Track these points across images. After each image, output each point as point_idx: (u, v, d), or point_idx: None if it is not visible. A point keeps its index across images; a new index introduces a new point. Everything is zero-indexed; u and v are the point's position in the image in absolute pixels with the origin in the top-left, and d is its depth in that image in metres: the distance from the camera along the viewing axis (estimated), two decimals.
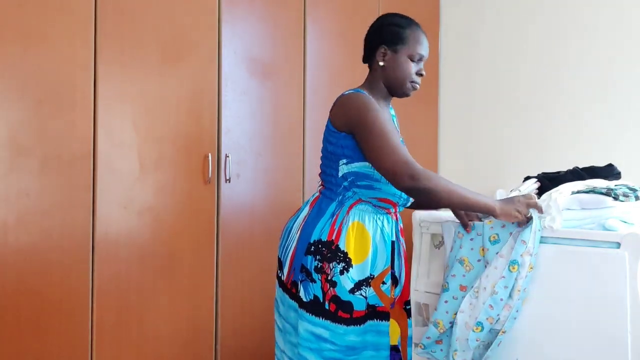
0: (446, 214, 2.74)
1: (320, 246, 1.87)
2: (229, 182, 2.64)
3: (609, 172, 2.35)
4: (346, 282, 1.85)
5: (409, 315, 2.04)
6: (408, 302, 2.05)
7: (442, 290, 2.13)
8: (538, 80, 3.18)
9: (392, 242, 1.97)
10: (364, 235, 1.90)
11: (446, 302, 2.10)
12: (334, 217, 1.90)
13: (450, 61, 3.54)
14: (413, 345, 2.54)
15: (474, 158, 3.40)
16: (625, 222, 2.02)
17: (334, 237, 1.86)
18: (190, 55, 2.58)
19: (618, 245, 1.89)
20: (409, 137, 3.38)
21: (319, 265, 1.86)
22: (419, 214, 2.69)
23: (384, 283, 1.92)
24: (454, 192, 1.82)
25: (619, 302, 1.84)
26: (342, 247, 1.86)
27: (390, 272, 1.95)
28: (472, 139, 3.42)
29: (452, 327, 2.10)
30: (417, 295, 2.59)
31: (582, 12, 3.04)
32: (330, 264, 1.85)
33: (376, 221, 1.93)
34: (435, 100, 3.55)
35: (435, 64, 3.56)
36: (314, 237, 1.88)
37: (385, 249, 1.93)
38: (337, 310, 1.86)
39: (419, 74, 1.96)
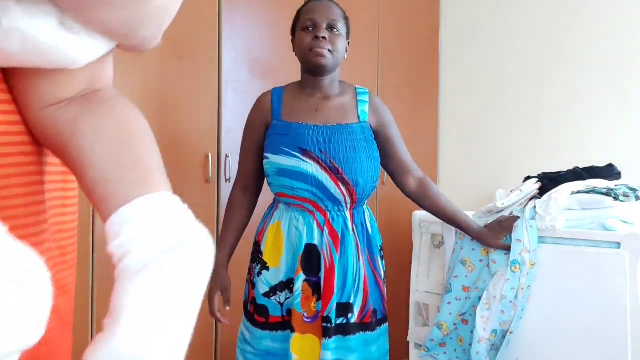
0: None
1: (253, 246, 1.87)
2: (229, 182, 2.64)
3: (609, 172, 2.35)
4: (261, 285, 1.79)
5: (324, 334, 1.71)
6: (327, 319, 1.72)
7: (445, 292, 2.13)
8: (538, 80, 3.18)
9: (308, 246, 1.75)
10: (278, 236, 1.79)
11: (449, 303, 2.10)
12: (266, 216, 1.87)
13: (451, 61, 3.54)
14: (416, 347, 2.54)
15: (474, 158, 3.41)
16: (625, 222, 2.02)
17: (259, 238, 1.84)
18: (190, 55, 2.58)
19: (618, 245, 1.89)
20: (409, 137, 3.38)
21: (249, 266, 1.85)
22: (419, 214, 2.69)
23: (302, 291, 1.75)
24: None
25: (619, 302, 1.84)
26: (262, 248, 1.81)
27: (303, 280, 1.75)
28: (472, 139, 3.42)
29: (455, 329, 2.10)
30: (417, 295, 2.59)
31: (582, 13, 3.04)
32: (253, 265, 1.83)
33: (291, 221, 1.78)
34: (435, 100, 3.55)
35: (436, 63, 3.56)
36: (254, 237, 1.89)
37: (296, 253, 1.76)
38: (254, 313, 1.80)
39: (316, 38, 1.77)
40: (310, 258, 1.75)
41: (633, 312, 1.83)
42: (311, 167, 1.73)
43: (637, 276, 1.84)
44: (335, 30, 1.81)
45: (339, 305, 1.73)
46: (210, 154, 2.61)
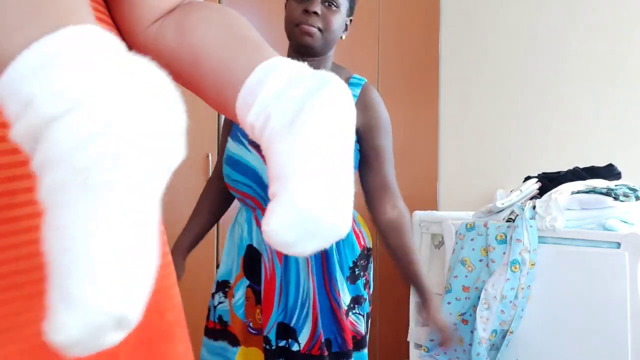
0: (446, 214, 2.75)
1: None
2: None
3: (609, 172, 2.35)
4: (214, 284, 1.58)
5: (266, 356, 1.45)
6: (267, 340, 1.45)
7: (445, 292, 2.13)
8: (538, 80, 3.18)
9: (249, 247, 1.52)
10: (228, 234, 1.61)
11: (449, 303, 2.10)
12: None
13: (451, 61, 3.54)
14: (416, 347, 2.54)
15: (474, 158, 3.41)
16: (625, 222, 2.02)
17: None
18: None
19: (618, 245, 1.89)
20: (409, 137, 3.39)
21: None
22: (419, 214, 2.70)
23: (233, 297, 1.52)
24: None
25: (619, 302, 1.84)
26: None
27: (247, 285, 1.51)
28: (472, 139, 3.42)
29: (455, 329, 2.10)
30: None
31: (582, 13, 3.04)
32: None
33: (237, 218, 1.58)
34: (435, 100, 3.55)
35: (436, 63, 3.56)
36: None
37: (237, 254, 1.54)
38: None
39: (305, 12, 1.45)
40: (252, 262, 1.50)
41: (633, 312, 1.83)
42: (254, 159, 1.45)
43: (637, 276, 1.84)
44: (333, 5, 1.46)
45: (280, 325, 1.45)
46: (210, 154, 2.61)
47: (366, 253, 1.53)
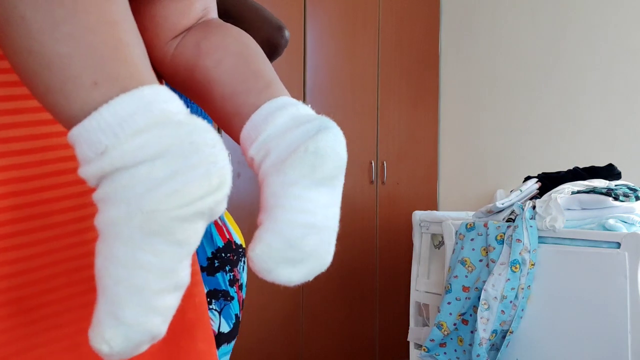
0: (446, 214, 2.74)
1: None
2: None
3: (609, 172, 2.35)
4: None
5: None
6: None
7: (445, 292, 2.13)
8: (538, 80, 3.18)
9: None
10: None
11: (449, 303, 2.10)
12: None
13: (451, 61, 3.54)
14: (416, 347, 2.54)
15: (474, 158, 3.41)
16: (625, 222, 2.02)
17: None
18: None
19: (618, 245, 1.89)
20: (409, 137, 3.39)
21: None
22: (419, 214, 2.70)
23: None
24: None
25: (619, 302, 1.84)
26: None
27: None
28: (472, 139, 3.42)
29: (456, 329, 2.10)
30: (417, 295, 2.59)
31: (582, 13, 3.04)
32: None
33: None
34: (435, 100, 3.55)
35: (436, 63, 3.56)
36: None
37: None
38: None
39: None
40: None
41: (633, 312, 1.83)
42: None
43: (637, 276, 1.84)
44: None
45: None
46: None
47: (234, 248, 1.47)
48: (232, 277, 1.42)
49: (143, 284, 0.44)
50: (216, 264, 1.40)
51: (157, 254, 0.44)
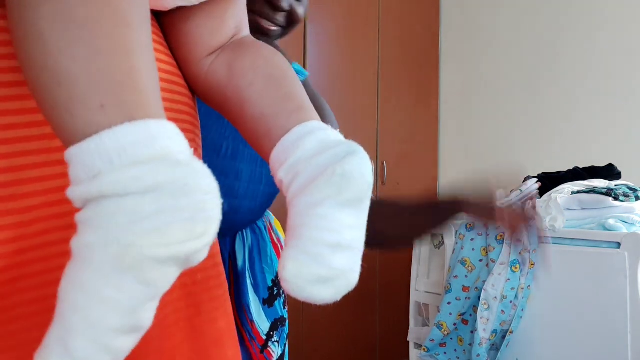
0: None
1: None
2: None
3: (609, 172, 2.35)
4: None
5: None
6: None
7: (445, 292, 2.13)
8: (538, 80, 3.18)
9: None
10: None
11: (449, 303, 2.10)
12: None
13: (451, 61, 3.54)
14: (416, 347, 2.54)
15: (474, 158, 3.41)
16: (625, 222, 2.02)
17: None
18: None
19: (618, 245, 1.89)
20: (409, 137, 3.39)
21: None
22: None
23: None
24: None
25: (619, 302, 1.84)
26: None
27: None
28: (472, 139, 3.42)
29: (456, 329, 2.10)
30: (417, 295, 2.59)
31: (582, 13, 3.04)
32: None
33: None
34: (435, 100, 3.55)
35: (436, 63, 3.56)
36: None
37: None
38: None
39: (273, 6, 1.07)
40: None
41: (633, 312, 1.83)
42: None
43: (637, 276, 1.84)
44: None
45: None
46: None
47: None
48: (285, 298, 1.30)
49: (99, 319, 0.42)
50: (275, 292, 1.27)
51: (121, 291, 0.43)
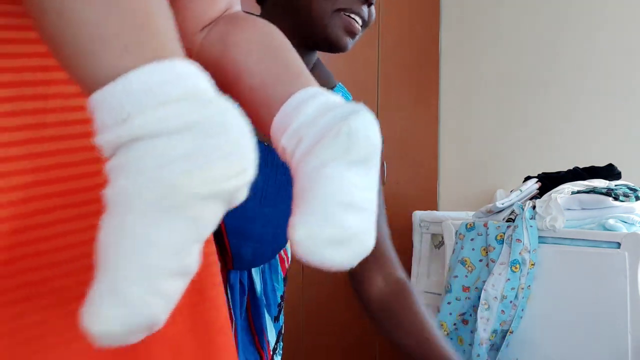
0: (446, 214, 2.74)
1: None
2: None
3: (609, 172, 2.35)
4: None
5: None
6: None
7: (445, 292, 2.13)
8: (538, 80, 3.18)
9: None
10: None
11: (449, 303, 2.10)
12: None
13: (451, 61, 3.54)
14: None
15: (474, 158, 3.41)
16: (625, 222, 2.02)
17: None
18: None
19: (618, 245, 1.89)
20: (409, 137, 3.38)
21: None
22: (419, 214, 2.70)
23: None
24: None
25: (619, 302, 1.85)
26: None
27: None
28: (472, 139, 3.43)
29: (456, 329, 2.10)
30: None
31: (582, 13, 3.04)
32: None
33: None
34: (435, 100, 3.55)
35: (436, 63, 3.56)
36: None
37: None
38: None
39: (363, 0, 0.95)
40: None
41: (633, 312, 1.83)
42: None
43: (637, 276, 1.84)
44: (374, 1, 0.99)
45: None
46: None
47: (285, 276, 1.26)
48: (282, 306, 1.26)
49: (153, 262, 0.41)
50: (281, 306, 1.23)
51: (171, 231, 0.41)
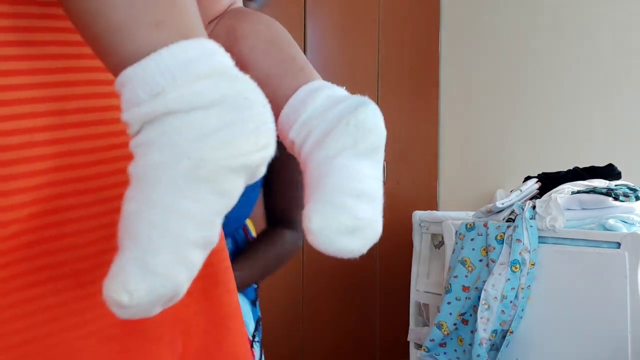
0: (446, 214, 2.75)
1: None
2: None
3: (609, 172, 2.35)
4: None
5: None
6: None
7: (445, 292, 2.13)
8: (538, 80, 3.18)
9: None
10: None
11: (449, 303, 2.10)
12: None
13: (451, 61, 3.54)
14: (416, 347, 2.54)
15: (474, 158, 3.41)
16: (625, 222, 2.02)
17: None
18: None
19: (618, 245, 1.89)
20: (409, 137, 3.38)
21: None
22: (419, 214, 2.70)
23: None
24: None
25: (619, 302, 1.85)
26: None
27: None
28: (472, 139, 3.42)
29: (456, 329, 2.10)
30: (417, 295, 2.59)
31: (582, 13, 3.04)
32: None
33: None
34: (435, 100, 3.55)
35: (436, 63, 3.56)
36: None
37: None
38: None
39: None
40: None
41: (633, 312, 1.83)
42: None
43: (637, 276, 1.84)
44: None
45: None
46: None
47: None
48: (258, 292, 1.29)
49: (180, 231, 0.42)
50: (257, 291, 1.30)
51: (199, 202, 0.43)
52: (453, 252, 2.16)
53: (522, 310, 2.00)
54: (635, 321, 1.82)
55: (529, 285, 1.99)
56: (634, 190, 2.14)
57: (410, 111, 3.36)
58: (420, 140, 3.42)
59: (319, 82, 0.59)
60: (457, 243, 2.15)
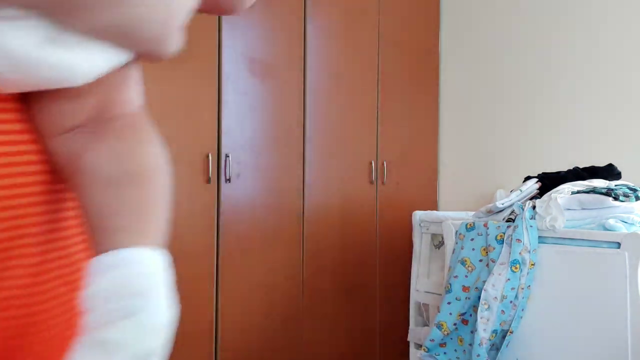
0: (446, 214, 2.75)
1: None
2: (229, 182, 2.65)
3: (609, 172, 2.35)
4: None
5: None
6: None
7: (445, 292, 2.13)
8: (538, 80, 3.18)
9: None
10: None
11: (449, 303, 2.10)
12: None
13: (451, 61, 3.54)
14: (416, 347, 2.54)
15: (474, 158, 3.41)
16: (625, 222, 2.02)
17: None
18: (191, 55, 2.58)
19: (618, 245, 1.89)
20: (409, 137, 3.39)
21: None
22: (419, 214, 2.70)
23: None
24: None
25: (619, 302, 1.84)
26: None
27: None
28: (472, 139, 3.42)
29: (456, 329, 2.10)
30: (417, 295, 2.59)
31: (583, 13, 3.04)
32: None
33: None
34: (435, 100, 3.55)
35: (436, 64, 3.56)
36: None
37: None
38: None
39: None
40: None
41: (633, 312, 1.83)
42: None
43: (637, 276, 1.84)
44: None
45: None
46: (210, 154, 2.61)
47: None
48: None
49: None
50: None
51: None
52: (453, 252, 2.16)
53: (522, 310, 2.00)
54: (635, 321, 1.82)
55: (529, 285, 1.99)
56: (634, 190, 2.14)
57: (410, 111, 3.36)
58: (420, 140, 3.42)
59: (122, 255, 0.56)
60: (457, 243, 2.15)
